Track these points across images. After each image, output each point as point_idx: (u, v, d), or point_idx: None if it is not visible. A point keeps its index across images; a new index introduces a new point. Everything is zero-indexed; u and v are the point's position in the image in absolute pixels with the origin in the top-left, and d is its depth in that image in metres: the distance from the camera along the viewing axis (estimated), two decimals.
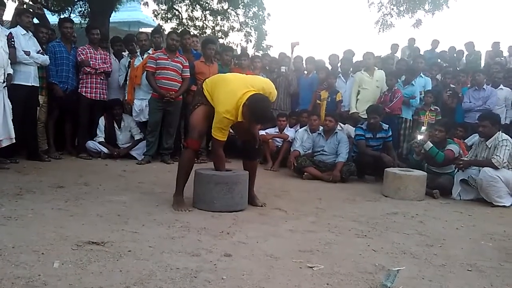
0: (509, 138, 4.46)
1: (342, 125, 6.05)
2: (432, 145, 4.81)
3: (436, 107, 6.35)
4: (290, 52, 7.55)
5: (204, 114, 3.48)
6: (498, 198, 4.24)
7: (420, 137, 5.02)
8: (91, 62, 5.85)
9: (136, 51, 6.32)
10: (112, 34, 8.04)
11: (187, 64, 5.82)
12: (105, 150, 5.92)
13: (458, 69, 7.80)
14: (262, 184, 4.60)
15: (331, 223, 3.24)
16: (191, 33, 7.83)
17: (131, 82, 6.03)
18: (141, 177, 4.73)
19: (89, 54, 5.89)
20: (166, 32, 11.26)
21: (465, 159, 4.64)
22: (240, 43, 13.84)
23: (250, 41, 13.62)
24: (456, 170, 4.68)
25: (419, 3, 10.19)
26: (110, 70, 6.10)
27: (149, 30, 17.45)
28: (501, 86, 6.38)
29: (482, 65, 8.88)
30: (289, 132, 6.23)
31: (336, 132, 5.58)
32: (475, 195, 4.49)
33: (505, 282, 2.25)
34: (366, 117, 5.77)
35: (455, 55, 8.83)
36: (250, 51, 12.61)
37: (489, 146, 4.47)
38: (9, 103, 4.65)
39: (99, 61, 5.95)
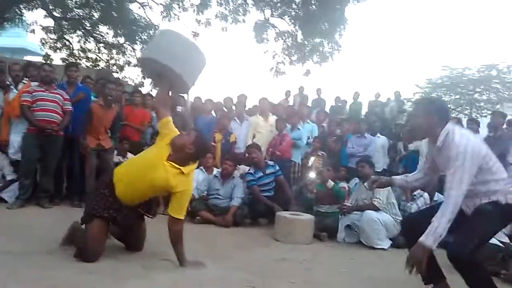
0: None
1: (238, 165, 6.08)
2: (333, 183, 5.13)
3: (322, 152, 6.75)
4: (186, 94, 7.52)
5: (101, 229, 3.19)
6: (378, 241, 4.53)
7: (313, 175, 5.29)
8: None
9: (7, 83, 5.74)
10: None
11: (68, 97, 5.42)
12: None
13: (342, 117, 8.47)
14: (151, 231, 4.33)
15: (217, 274, 3.12)
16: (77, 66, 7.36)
17: (5, 118, 5.41)
18: (14, 224, 4.16)
19: None
20: (54, 63, 10.53)
21: (349, 204, 4.94)
22: (136, 79, 13.45)
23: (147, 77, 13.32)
24: (340, 215, 4.94)
25: (308, 54, 11.03)
26: None
27: (35, 58, 16.14)
28: (378, 135, 7.05)
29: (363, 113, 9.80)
30: None
31: (233, 177, 5.58)
32: (357, 238, 4.76)
33: None
34: None
35: (339, 104, 9.63)
36: (148, 88, 12.32)
37: (367, 187, 4.83)
38: None
39: None
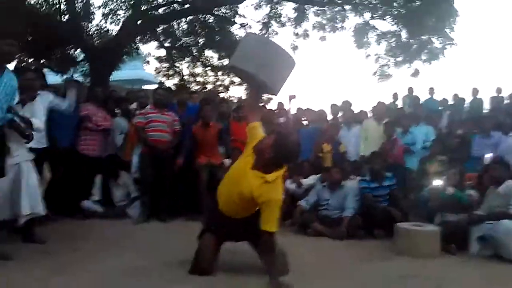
0: None
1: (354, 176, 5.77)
2: (454, 189, 4.63)
3: (442, 157, 6.13)
4: (288, 105, 7.52)
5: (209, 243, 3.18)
6: None
7: (437, 183, 4.82)
8: (94, 118, 5.78)
9: (131, 110, 6.31)
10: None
11: (177, 118, 5.79)
12: (100, 209, 5.67)
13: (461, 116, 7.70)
14: None
15: None
16: (191, 90, 7.83)
17: (130, 140, 5.96)
18: (137, 239, 4.45)
19: (91, 112, 5.83)
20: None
21: (479, 213, 4.36)
22: (241, 97, 13.94)
23: None
24: (470, 225, 4.36)
25: (415, 54, 10.25)
26: (111, 128, 6.04)
27: (151, 87, 17.64)
28: (511, 133, 6.19)
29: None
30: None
31: (343, 185, 5.29)
32: (493, 250, 4.14)
33: None
34: None
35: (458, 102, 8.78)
36: None
37: (501, 193, 4.23)
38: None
39: (101, 118, 5.89)
